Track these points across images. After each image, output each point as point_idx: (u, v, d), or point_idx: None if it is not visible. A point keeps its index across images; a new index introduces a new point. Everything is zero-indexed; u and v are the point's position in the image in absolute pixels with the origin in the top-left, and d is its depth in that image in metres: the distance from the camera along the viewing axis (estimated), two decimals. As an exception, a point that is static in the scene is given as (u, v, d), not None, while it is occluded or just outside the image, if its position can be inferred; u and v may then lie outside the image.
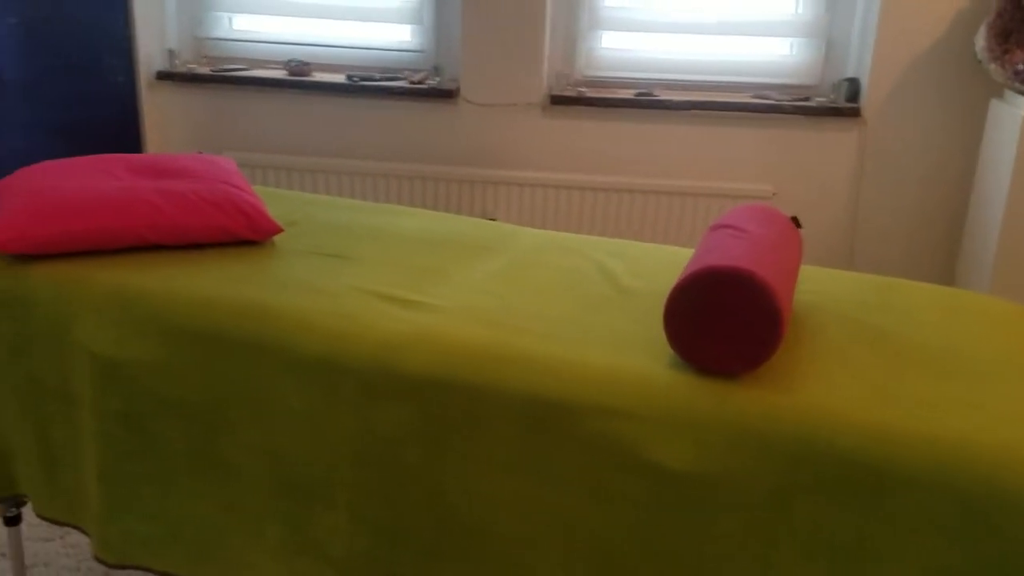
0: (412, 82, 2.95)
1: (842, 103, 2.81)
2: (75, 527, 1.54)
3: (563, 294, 1.43)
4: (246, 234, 1.58)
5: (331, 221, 1.75)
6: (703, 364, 1.16)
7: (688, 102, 2.87)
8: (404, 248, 1.62)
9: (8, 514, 1.71)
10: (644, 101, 2.88)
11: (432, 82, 2.96)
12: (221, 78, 3.02)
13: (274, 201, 1.87)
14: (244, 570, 1.42)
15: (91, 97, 2.81)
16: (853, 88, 2.81)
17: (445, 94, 2.92)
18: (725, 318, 1.13)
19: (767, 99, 2.85)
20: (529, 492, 1.20)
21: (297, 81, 2.99)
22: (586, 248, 1.66)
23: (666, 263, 1.58)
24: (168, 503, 1.42)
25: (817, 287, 1.46)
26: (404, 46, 3.08)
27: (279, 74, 3.04)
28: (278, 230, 1.61)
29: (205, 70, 3.07)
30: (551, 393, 1.17)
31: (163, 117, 3.09)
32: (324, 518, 1.34)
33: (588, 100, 2.90)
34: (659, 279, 1.49)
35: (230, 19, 3.15)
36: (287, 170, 3.05)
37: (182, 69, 3.05)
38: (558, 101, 2.90)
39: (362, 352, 1.25)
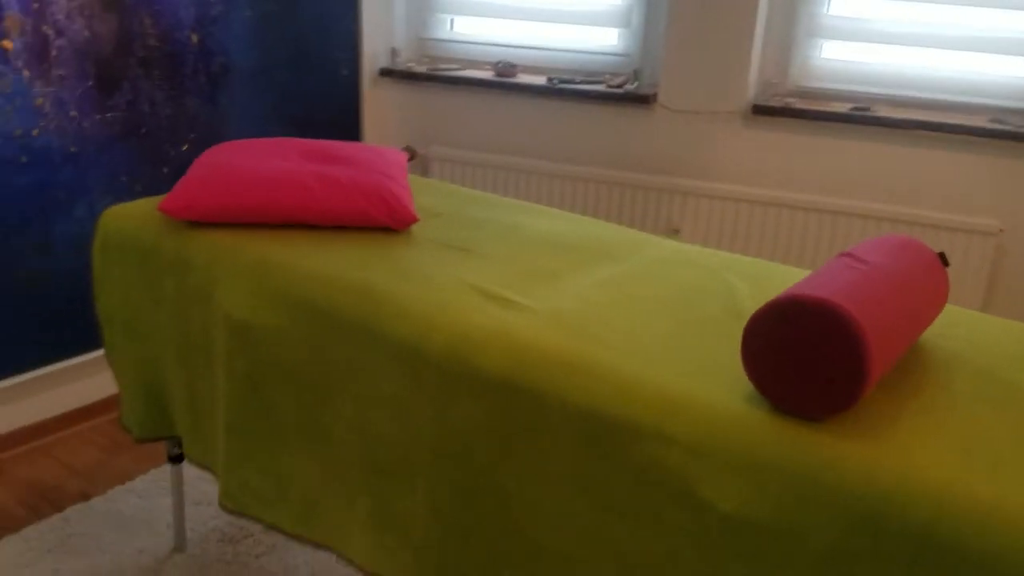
0: (610, 86, 2.93)
1: (1099, 131, 2.42)
2: (212, 472, 1.70)
3: (669, 311, 1.36)
4: (385, 221, 1.66)
5: (473, 217, 1.79)
6: (780, 402, 1.05)
7: (911, 121, 2.60)
8: (530, 248, 1.62)
9: (172, 453, 1.93)
10: (860, 117, 2.66)
11: (630, 86, 2.93)
12: (435, 77, 3.19)
13: (429, 193, 1.94)
14: (338, 535, 1.50)
15: (316, 88, 3.07)
16: (1115, 114, 2.41)
17: (642, 99, 2.88)
18: (806, 354, 1.02)
19: (1004, 125, 2.52)
20: (583, 510, 1.16)
21: (502, 82, 3.08)
22: (721, 266, 1.57)
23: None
24: (278, 462, 1.53)
25: (960, 332, 1.28)
26: (609, 49, 3.07)
27: (487, 74, 3.15)
28: (414, 220, 1.67)
29: (422, 69, 3.25)
30: (612, 411, 1.12)
31: (381, 111, 3.31)
32: (405, 501, 1.37)
33: (795, 112, 2.72)
34: (781, 306, 1.37)
35: (451, 21, 3.30)
36: (484, 167, 3.15)
37: (402, 67, 3.26)
38: (761, 111, 2.75)
39: (443, 344, 1.27)
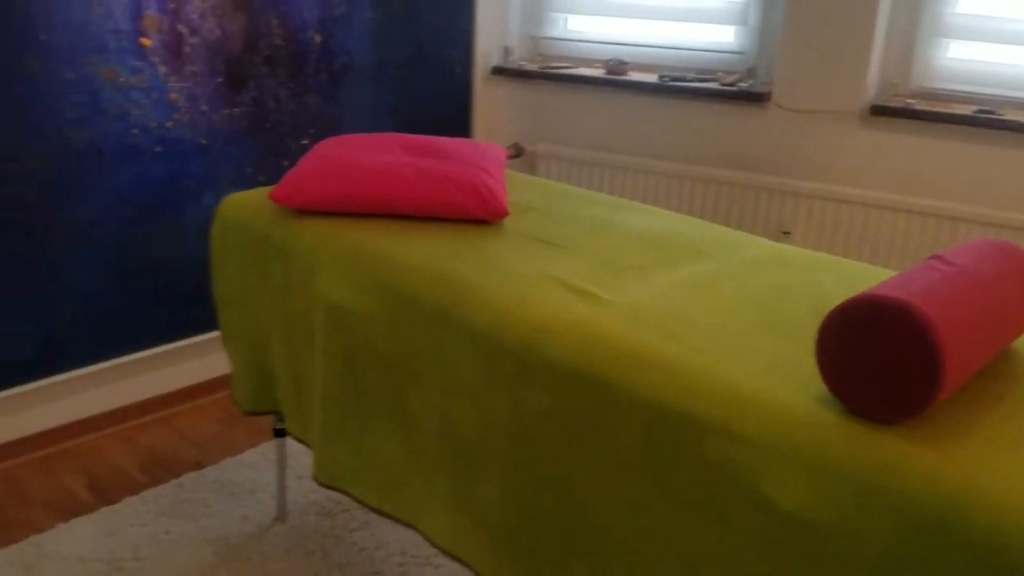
0: (723, 84, 2.89)
1: None
2: (308, 445, 1.80)
3: (751, 309, 1.34)
4: (478, 213, 1.71)
5: (567, 212, 1.81)
6: (852, 403, 1.03)
7: (1043, 123, 2.45)
8: (620, 244, 1.63)
9: (276, 427, 2.05)
10: (985, 119, 2.52)
11: (744, 85, 2.88)
12: (546, 74, 3.23)
13: (526, 189, 1.98)
14: (420, 514, 1.56)
15: (430, 86, 3.17)
16: None
17: (755, 97, 2.82)
18: (879, 355, 1.00)
19: None
20: (648, 502, 1.17)
21: (613, 79, 3.08)
22: (815, 267, 1.54)
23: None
24: (367, 439, 1.60)
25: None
26: (724, 47, 3.02)
27: (597, 72, 3.16)
28: (505, 213, 1.71)
29: (534, 67, 3.29)
30: (680, 405, 1.12)
31: (492, 108, 3.38)
32: (481, 484, 1.42)
33: (916, 113, 2.61)
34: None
35: (565, 19, 3.34)
36: (591, 165, 3.16)
37: (514, 65, 3.31)
38: (880, 112, 2.65)
39: (518, 332, 1.30)
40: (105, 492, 2.22)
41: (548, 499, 1.30)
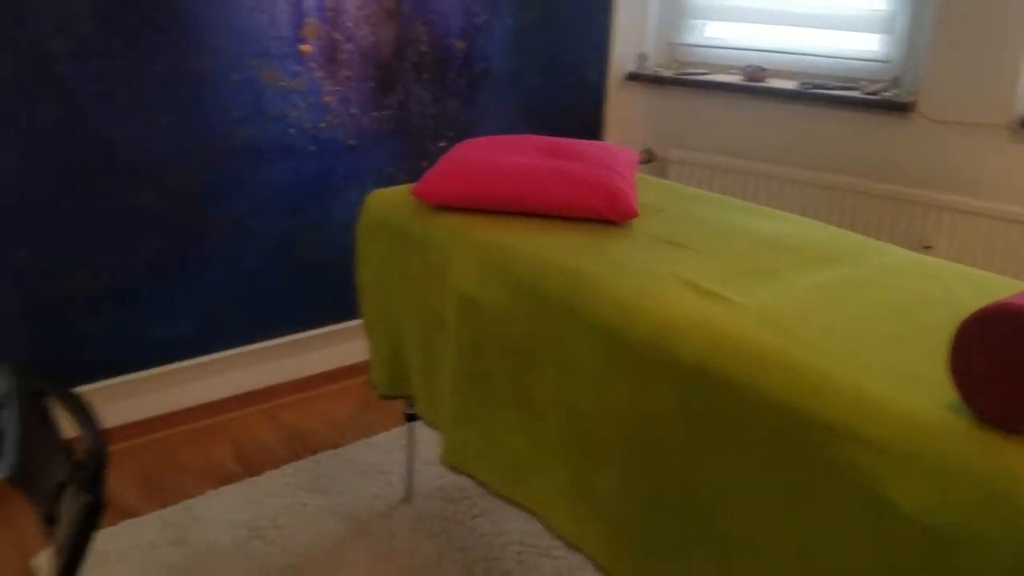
0: (866, 93, 2.82)
1: None
2: (436, 429, 1.89)
3: (883, 316, 1.33)
4: (607, 214, 1.75)
5: (696, 215, 1.83)
6: (981, 410, 1.02)
7: None
8: (750, 248, 1.63)
9: (408, 412, 2.16)
10: None
11: (888, 94, 2.80)
12: (681, 81, 3.23)
13: (657, 192, 2.01)
14: (540, 501, 1.62)
15: (565, 91, 3.23)
16: None
17: (900, 107, 2.74)
18: (1012, 364, 0.98)
19: None
20: (770, 501, 1.18)
21: (750, 86, 3.06)
22: (953, 278, 1.50)
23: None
24: (493, 426, 1.67)
25: None
26: (868, 55, 2.94)
27: (735, 79, 3.14)
28: (634, 214, 1.74)
29: (669, 73, 3.30)
30: (806, 407, 1.13)
31: (625, 114, 3.41)
32: (600, 475, 1.46)
33: (1077, 125, 2.47)
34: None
35: (704, 26, 3.33)
36: (724, 172, 3.14)
37: (650, 71, 3.34)
38: (1036, 124, 2.53)
39: (645, 328, 1.34)
40: (250, 464, 2.39)
41: (668, 493, 1.33)
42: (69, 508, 0.95)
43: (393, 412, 2.64)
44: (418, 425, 2.12)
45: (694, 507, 1.29)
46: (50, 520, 1.04)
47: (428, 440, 2.44)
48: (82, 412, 1.02)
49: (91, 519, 0.92)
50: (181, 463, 2.39)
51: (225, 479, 2.32)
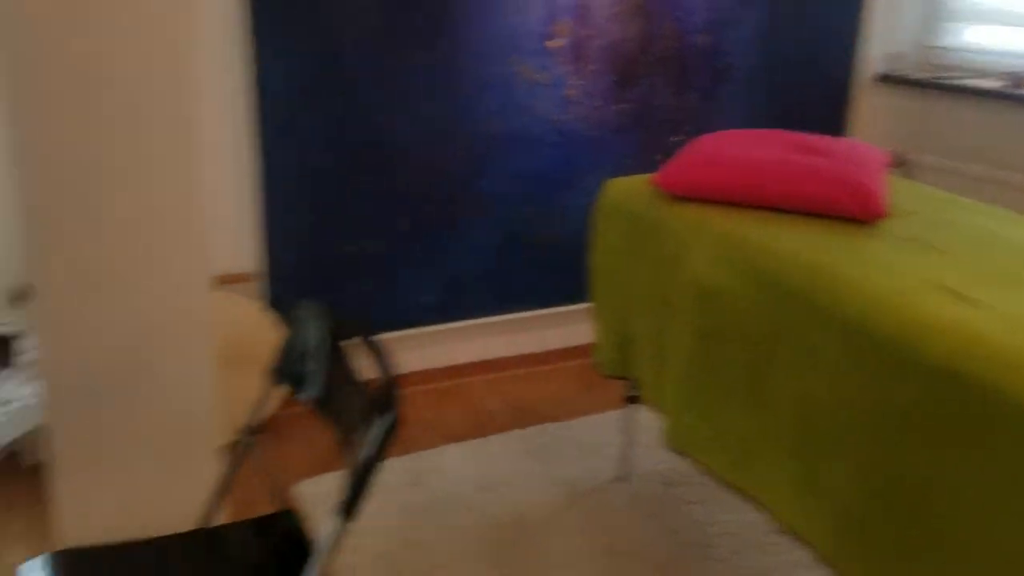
0: None
1: None
2: (661, 412, 1.97)
3: None
4: (853, 211, 1.75)
5: (946, 219, 1.78)
6: None
7: None
8: (1005, 255, 1.58)
9: (628, 395, 2.25)
10: None
11: None
12: (936, 84, 3.08)
13: (907, 194, 1.96)
14: (766, 490, 1.65)
15: (809, 88, 3.18)
16: None
17: None
18: None
19: None
20: (1015, 513, 1.16)
21: (1013, 93, 2.87)
22: None
23: None
24: (721, 412, 1.73)
25: None
26: None
27: (995, 84, 2.96)
28: (882, 214, 1.73)
29: (923, 76, 3.16)
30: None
31: (871, 115, 3.30)
32: (831, 470, 1.47)
33: None
34: None
35: (962, 29, 3.16)
36: (978, 180, 2.97)
37: (902, 73, 3.21)
38: None
39: (890, 326, 1.34)
40: (479, 427, 2.59)
41: (904, 493, 1.32)
42: (368, 429, 1.13)
43: (613, 394, 2.75)
44: (637, 408, 2.21)
45: (931, 509, 1.28)
46: (346, 443, 1.23)
47: (647, 423, 2.52)
48: (378, 351, 1.21)
49: (388, 435, 1.09)
50: (419, 418, 2.63)
51: (455, 437, 2.52)
